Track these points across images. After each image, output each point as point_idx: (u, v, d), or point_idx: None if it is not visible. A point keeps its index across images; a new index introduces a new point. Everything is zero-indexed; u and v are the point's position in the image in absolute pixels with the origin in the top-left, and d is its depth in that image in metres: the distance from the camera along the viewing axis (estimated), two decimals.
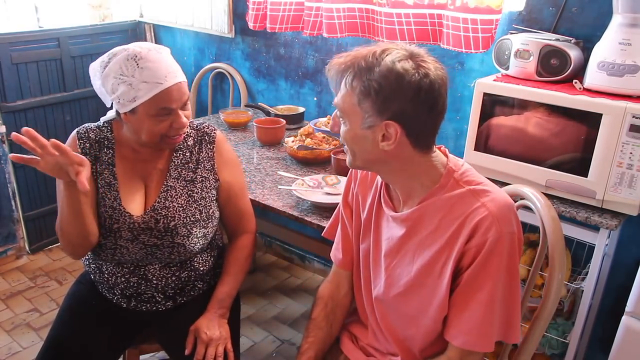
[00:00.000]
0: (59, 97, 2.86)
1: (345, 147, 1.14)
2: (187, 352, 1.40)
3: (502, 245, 1.03)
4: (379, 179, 1.23)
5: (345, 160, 1.91)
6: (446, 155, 1.14)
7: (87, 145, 1.42)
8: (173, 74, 1.33)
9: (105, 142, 1.44)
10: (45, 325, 2.40)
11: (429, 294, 1.12)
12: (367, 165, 1.14)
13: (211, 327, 1.42)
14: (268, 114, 2.49)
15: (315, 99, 2.61)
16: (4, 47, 2.60)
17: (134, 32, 3.16)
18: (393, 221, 1.17)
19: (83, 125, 1.45)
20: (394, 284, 1.18)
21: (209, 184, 1.49)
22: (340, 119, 1.10)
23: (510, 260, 1.05)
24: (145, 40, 3.17)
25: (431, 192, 1.10)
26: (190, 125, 1.51)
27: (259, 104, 2.60)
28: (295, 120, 2.48)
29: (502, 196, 1.07)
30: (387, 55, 1.02)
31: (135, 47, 1.32)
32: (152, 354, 2.12)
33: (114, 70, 1.30)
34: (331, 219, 1.41)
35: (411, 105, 1.02)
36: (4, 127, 2.65)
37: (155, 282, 1.46)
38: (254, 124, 2.30)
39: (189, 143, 1.49)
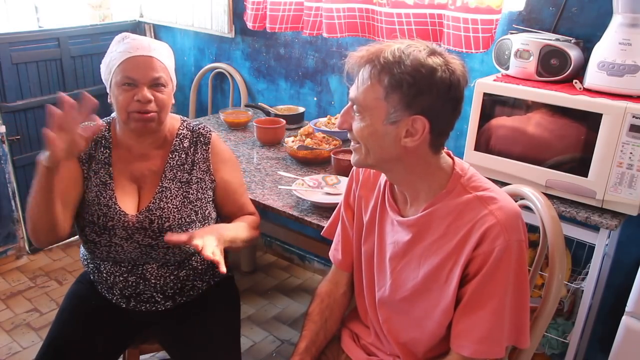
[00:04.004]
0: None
1: (354, 144, 1.10)
2: (183, 239, 1.27)
3: (510, 254, 1.03)
4: (381, 180, 1.22)
5: (345, 160, 1.94)
6: (451, 158, 1.14)
7: None
8: (147, 48, 1.37)
9: (103, 141, 1.45)
10: (45, 325, 2.40)
11: (434, 299, 1.12)
12: (379, 164, 1.10)
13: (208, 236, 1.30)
14: (268, 114, 2.49)
15: (315, 99, 2.61)
16: (4, 47, 2.59)
17: (134, 32, 3.15)
18: (399, 225, 1.16)
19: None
20: (400, 287, 1.17)
21: (205, 185, 1.49)
22: (357, 114, 1.07)
23: (518, 267, 1.05)
24: None
25: (438, 197, 1.10)
26: (186, 127, 1.51)
27: (259, 104, 2.59)
28: (295, 120, 2.48)
29: (510, 204, 1.07)
30: (413, 49, 1.01)
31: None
32: (152, 354, 2.12)
33: (108, 50, 1.40)
34: (331, 218, 1.41)
35: (441, 101, 1.02)
36: (3, 127, 2.65)
37: (154, 281, 1.46)
38: (254, 124, 2.30)
39: (184, 145, 1.49)
